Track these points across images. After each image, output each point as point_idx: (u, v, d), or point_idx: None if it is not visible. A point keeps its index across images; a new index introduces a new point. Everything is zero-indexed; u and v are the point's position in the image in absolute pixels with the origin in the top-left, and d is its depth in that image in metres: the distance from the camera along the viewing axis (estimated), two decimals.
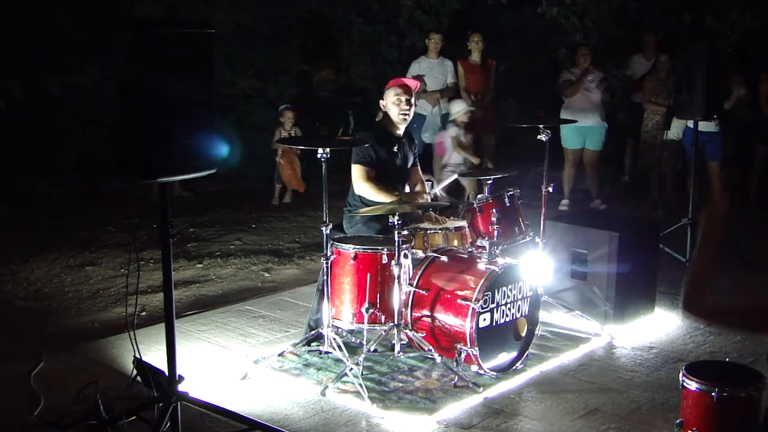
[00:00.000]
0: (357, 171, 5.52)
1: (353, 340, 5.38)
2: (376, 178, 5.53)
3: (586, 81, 9.34)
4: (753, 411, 4.06)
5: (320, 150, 4.88)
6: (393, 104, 5.57)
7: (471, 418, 4.51)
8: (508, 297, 5.07)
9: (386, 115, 5.66)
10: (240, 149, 9.52)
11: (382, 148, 5.54)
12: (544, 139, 6.08)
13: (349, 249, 5.03)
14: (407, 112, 5.57)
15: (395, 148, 5.64)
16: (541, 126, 6.11)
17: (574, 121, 8.52)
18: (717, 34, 11.08)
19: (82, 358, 5.28)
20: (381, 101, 5.69)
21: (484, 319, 4.90)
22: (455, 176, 7.13)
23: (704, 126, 8.32)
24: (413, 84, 5.72)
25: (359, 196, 5.57)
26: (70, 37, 10.60)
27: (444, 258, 5.15)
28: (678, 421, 4.23)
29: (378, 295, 5.01)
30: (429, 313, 5.03)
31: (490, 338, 4.94)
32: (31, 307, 6.43)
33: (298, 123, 10.04)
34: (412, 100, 5.60)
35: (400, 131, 5.68)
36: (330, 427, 4.41)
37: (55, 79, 11.40)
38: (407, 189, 5.81)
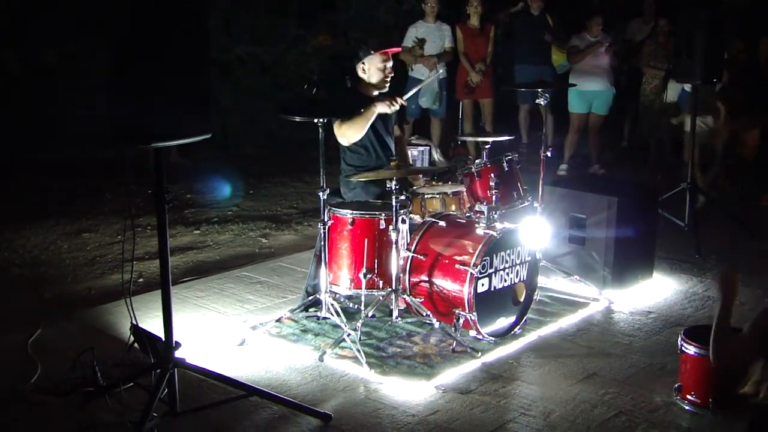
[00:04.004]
0: (337, 124, 5.44)
1: (351, 305, 5.37)
2: (361, 143, 5.54)
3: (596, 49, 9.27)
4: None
5: None
6: (378, 70, 5.55)
7: (469, 383, 4.51)
8: (507, 262, 5.05)
9: (362, 79, 5.63)
10: (236, 115, 9.43)
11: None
12: (542, 103, 6.04)
13: (347, 214, 5.01)
14: (390, 78, 5.61)
15: None
16: (539, 90, 6.06)
17: (573, 85, 8.46)
18: None
19: (78, 326, 5.27)
20: (360, 65, 5.61)
21: (483, 284, 4.89)
22: None
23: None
24: (394, 51, 5.77)
25: (349, 161, 5.59)
26: (65, 4, 10.47)
27: (442, 223, 5.13)
28: (676, 386, 4.24)
29: (376, 261, 4.99)
30: (427, 279, 5.01)
31: (488, 303, 4.93)
32: (28, 274, 6.41)
33: None
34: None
35: (375, 94, 5.65)
36: (328, 392, 4.40)
37: (50, 48, 11.28)
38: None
